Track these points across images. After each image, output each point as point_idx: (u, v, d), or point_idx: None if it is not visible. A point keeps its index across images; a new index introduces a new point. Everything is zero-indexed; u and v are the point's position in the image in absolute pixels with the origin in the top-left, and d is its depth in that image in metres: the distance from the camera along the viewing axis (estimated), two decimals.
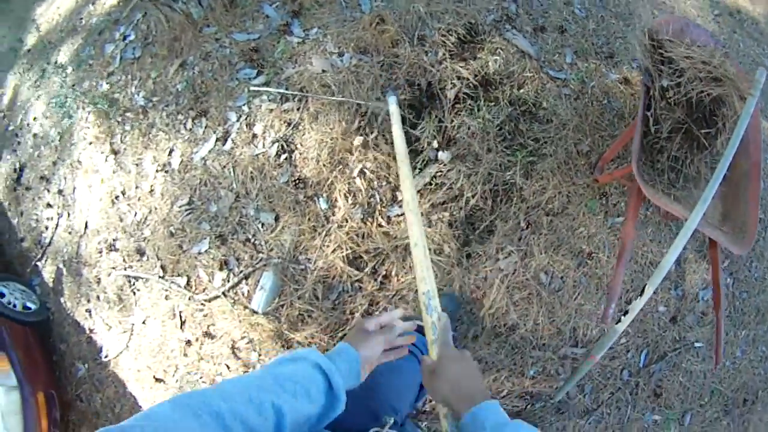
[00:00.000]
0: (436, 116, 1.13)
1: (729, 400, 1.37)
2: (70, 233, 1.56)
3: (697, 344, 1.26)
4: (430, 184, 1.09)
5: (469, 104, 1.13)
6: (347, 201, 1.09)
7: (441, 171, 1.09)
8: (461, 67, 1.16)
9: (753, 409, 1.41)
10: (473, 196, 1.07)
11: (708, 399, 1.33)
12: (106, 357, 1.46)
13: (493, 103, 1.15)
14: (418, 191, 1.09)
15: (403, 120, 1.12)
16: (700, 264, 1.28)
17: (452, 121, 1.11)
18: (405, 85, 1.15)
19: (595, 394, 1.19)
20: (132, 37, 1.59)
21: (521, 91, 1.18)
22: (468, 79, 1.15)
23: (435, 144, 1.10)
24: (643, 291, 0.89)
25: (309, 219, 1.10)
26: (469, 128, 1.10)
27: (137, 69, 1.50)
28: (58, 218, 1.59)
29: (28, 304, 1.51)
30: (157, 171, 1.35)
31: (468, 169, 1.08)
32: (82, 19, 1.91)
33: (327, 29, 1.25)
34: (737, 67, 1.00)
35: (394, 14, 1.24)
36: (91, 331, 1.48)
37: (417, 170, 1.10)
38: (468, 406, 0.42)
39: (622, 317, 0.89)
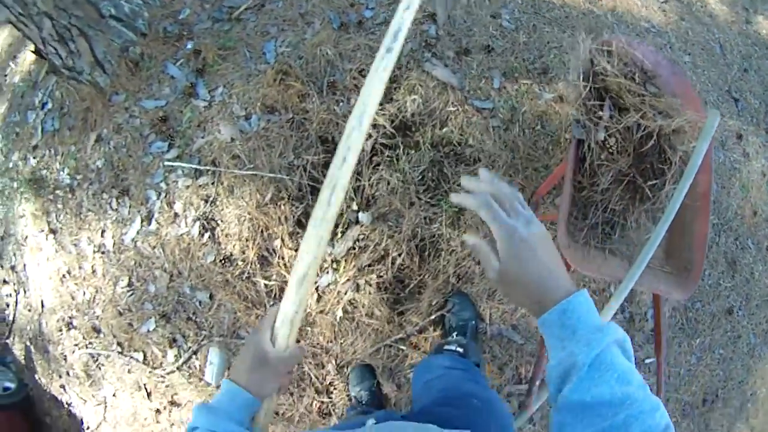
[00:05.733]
0: (353, 173, 1.08)
1: (686, 404, 1.40)
2: (29, 311, 1.59)
3: (647, 360, 1.27)
4: (354, 247, 1.06)
5: (388, 155, 1.08)
6: (276, 279, 1.08)
7: (363, 233, 1.06)
8: (376, 114, 1.09)
9: (713, 407, 1.45)
10: (399, 255, 1.05)
11: (664, 407, 1.36)
12: (88, 429, 1.54)
13: (413, 150, 1.09)
14: (342, 256, 1.07)
15: (317, 181, 1.08)
16: None
17: (370, 177, 1.07)
18: (318, 143, 1.09)
19: (545, 420, 1.22)
20: (49, 106, 1.52)
21: (444, 130, 1.11)
22: (385, 127, 1.08)
23: (354, 206, 1.06)
24: None
25: (241, 298, 1.10)
26: (388, 184, 1.06)
27: (58, 143, 1.45)
28: (16, 295, 1.62)
29: (7, 384, 1.55)
30: (94, 252, 1.34)
31: (390, 229, 1.05)
32: (6, 76, 1.81)
33: (232, 87, 1.17)
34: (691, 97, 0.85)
35: (300, 61, 1.15)
36: (68, 405, 1.55)
37: (340, 234, 1.07)
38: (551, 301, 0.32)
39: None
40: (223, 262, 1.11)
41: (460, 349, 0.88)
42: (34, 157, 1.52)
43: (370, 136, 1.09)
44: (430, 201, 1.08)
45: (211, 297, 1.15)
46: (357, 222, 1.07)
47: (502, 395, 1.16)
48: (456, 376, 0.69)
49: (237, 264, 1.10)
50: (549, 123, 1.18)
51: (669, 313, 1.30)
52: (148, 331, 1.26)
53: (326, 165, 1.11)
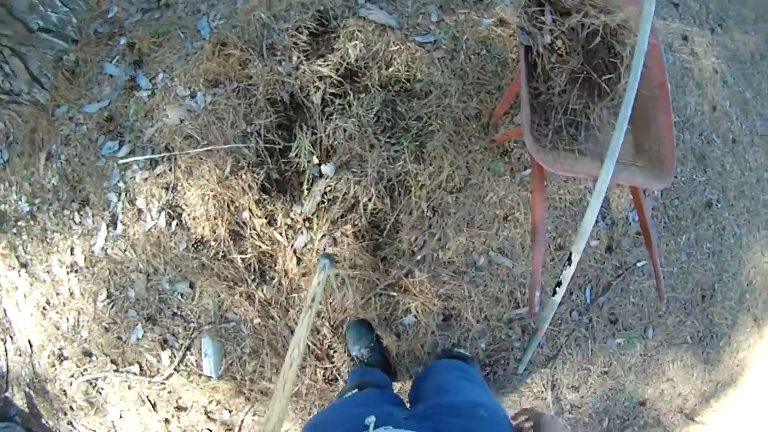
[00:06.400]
0: (308, 128, 1.06)
1: (686, 302, 1.40)
2: (20, 356, 1.53)
3: (639, 264, 1.27)
4: (323, 201, 1.04)
5: (339, 103, 1.06)
6: (252, 251, 1.05)
7: (329, 185, 1.04)
8: (320, 65, 1.08)
9: (713, 301, 1.45)
10: (369, 200, 1.03)
11: (665, 308, 1.36)
12: None
13: (363, 93, 1.08)
14: (313, 213, 1.04)
15: (273, 143, 1.06)
16: (623, 188, 1.26)
17: (325, 128, 1.05)
18: (267, 106, 1.07)
19: (551, 342, 1.21)
20: None
21: (390, 69, 1.10)
22: (331, 77, 1.07)
23: (315, 160, 1.04)
24: (570, 259, 0.84)
25: (221, 278, 1.07)
26: (345, 131, 1.04)
27: (10, 173, 1.40)
28: (4, 344, 1.55)
29: None
30: (67, 273, 1.30)
31: (356, 175, 1.03)
32: None
33: (172, 71, 1.14)
34: None
35: (235, 31, 1.13)
36: None
37: (306, 191, 1.05)
38: None
39: (556, 288, 0.86)
40: (195, 246, 1.08)
41: (467, 354, 0.97)
42: None
43: (317, 88, 1.07)
44: (389, 141, 1.06)
45: (191, 286, 1.11)
46: (321, 175, 1.05)
47: (503, 323, 1.14)
48: (467, 382, 0.70)
49: (210, 245, 1.07)
50: (494, 47, 1.18)
51: (650, 213, 1.31)
52: (138, 339, 1.22)
53: (279, 126, 1.09)
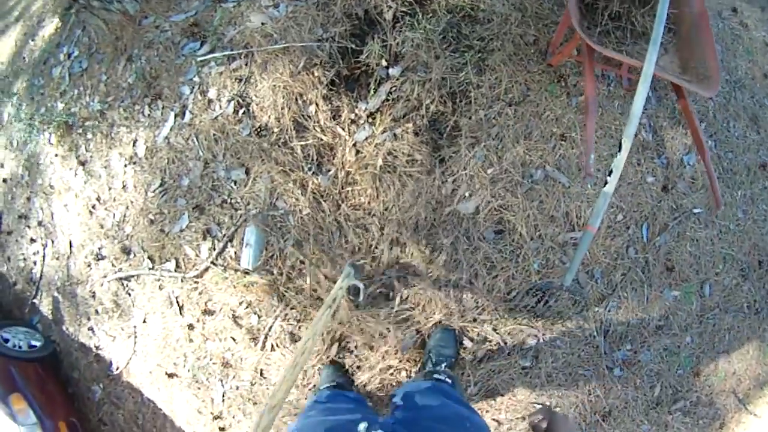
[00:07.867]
0: (379, 38, 1.14)
1: (744, 264, 1.34)
2: (57, 259, 1.55)
3: (695, 210, 1.24)
4: (387, 100, 1.08)
5: (408, 20, 1.14)
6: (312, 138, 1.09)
7: (395, 86, 1.09)
8: None
9: None
10: (432, 102, 1.07)
11: (722, 266, 1.30)
12: (117, 369, 1.43)
13: (431, 15, 1.16)
14: (377, 109, 1.08)
15: (345, 50, 1.12)
16: (676, 130, 1.27)
17: (395, 38, 1.12)
18: (343, 18, 1.16)
19: (607, 277, 1.16)
20: (76, 53, 1.61)
21: (455, 0, 1.19)
22: None
23: (383, 63, 1.11)
24: (620, 147, 0.88)
25: (278, 163, 1.10)
26: (413, 41, 1.11)
27: (87, 79, 1.52)
28: (44, 249, 1.58)
29: (33, 342, 1.50)
30: (125, 166, 1.35)
31: (421, 78, 1.08)
32: (25, 57, 1.92)
33: None
34: None
35: None
36: (97, 348, 1.45)
37: (373, 90, 1.10)
38: None
39: (608, 178, 0.88)
40: (258, 132, 1.12)
41: (449, 380, 0.93)
42: (62, 102, 1.58)
43: (390, 7, 1.16)
44: (453, 54, 1.12)
45: (246, 172, 1.14)
46: (388, 78, 1.10)
47: (557, 245, 1.11)
48: (453, 401, 0.73)
49: (273, 132, 1.11)
50: None
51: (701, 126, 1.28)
52: (181, 230, 1.23)
53: (353, 35, 1.17)
